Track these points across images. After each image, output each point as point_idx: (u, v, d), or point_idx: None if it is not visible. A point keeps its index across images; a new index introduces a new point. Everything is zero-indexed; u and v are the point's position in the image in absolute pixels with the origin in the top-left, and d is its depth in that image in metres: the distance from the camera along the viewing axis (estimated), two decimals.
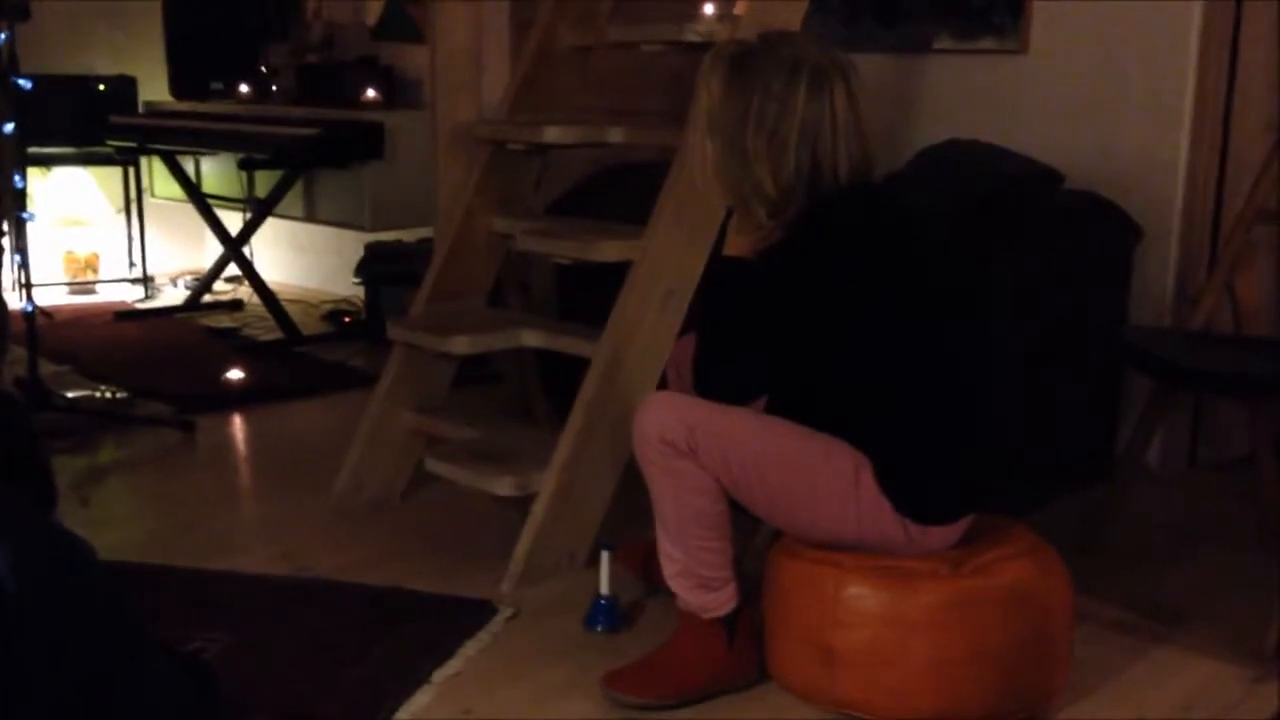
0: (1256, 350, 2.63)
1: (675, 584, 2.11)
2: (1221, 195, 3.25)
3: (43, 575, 1.43)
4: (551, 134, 2.81)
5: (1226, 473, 3.24)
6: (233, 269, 5.09)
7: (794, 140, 1.99)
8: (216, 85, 5.26)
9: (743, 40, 2.12)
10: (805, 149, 2.00)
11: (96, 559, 1.56)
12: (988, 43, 3.52)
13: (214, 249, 5.24)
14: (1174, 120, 3.18)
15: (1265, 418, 2.70)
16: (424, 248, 4.18)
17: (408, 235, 4.70)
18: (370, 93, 4.75)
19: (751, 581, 2.17)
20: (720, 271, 2.15)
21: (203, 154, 5.15)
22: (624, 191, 3.26)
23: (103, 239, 5.52)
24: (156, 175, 5.44)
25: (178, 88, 5.32)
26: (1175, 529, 2.93)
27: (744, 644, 2.13)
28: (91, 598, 1.52)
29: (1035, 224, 3.05)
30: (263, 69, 5.17)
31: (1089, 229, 3.18)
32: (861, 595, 1.99)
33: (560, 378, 2.93)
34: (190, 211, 5.18)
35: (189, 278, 5.57)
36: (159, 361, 4.32)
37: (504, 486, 2.57)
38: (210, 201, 5.07)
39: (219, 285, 5.33)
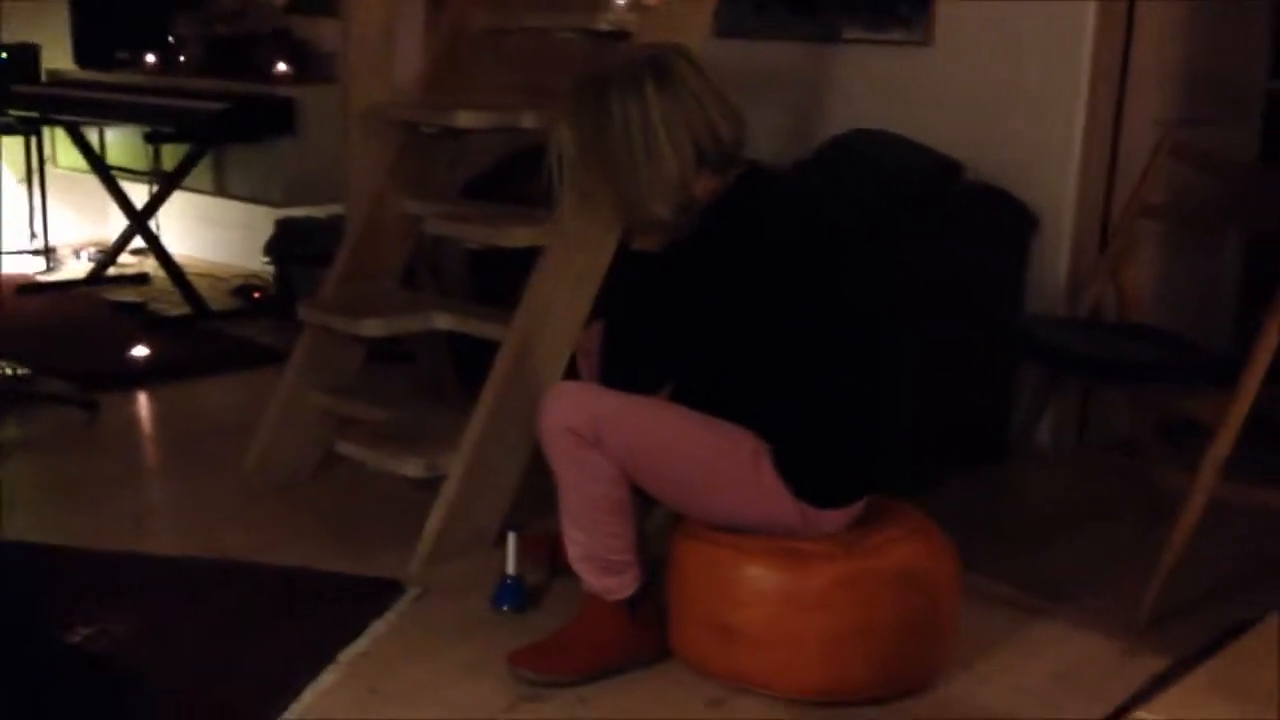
0: (1139, 338, 2.75)
1: (580, 568, 2.16)
2: (1113, 186, 3.38)
3: None
4: (464, 118, 2.82)
5: (1114, 451, 3.37)
6: (139, 241, 5.01)
7: (664, 139, 2.03)
8: (122, 55, 5.15)
9: (578, 80, 2.14)
10: (680, 137, 2.04)
11: None
12: (895, 34, 3.60)
13: (119, 221, 5.15)
14: (1068, 113, 3.29)
15: (1146, 403, 2.83)
16: (336, 223, 4.15)
17: (319, 211, 4.66)
18: (281, 66, 4.69)
19: (654, 562, 2.23)
20: (628, 265, 2.20)
21: (107, 125, 5.04)
22: (541, 174, 3.28)
23: (3, 209, 5.38)
24: (60, 145, 5.31)
25: (82, 56, 5.20)
26: (1062, 507, 3.06)
27: (646, 623, 2.19)
28: None
29: (936, 213, 3.14)
30: (170, 39, 5.07)
31: (987, 218, 3.28)
32: (759, 576, 2.07)
33: (472, 359, 2.96)
34: (95, 182, 5.07)
35: (93, 250, 5.46)
36: (61, 337, 4.25)
37: (414, 468, 2.60)
38: (115, 173, 4.97)
39: (124, 258, 5.24)
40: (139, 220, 4.83)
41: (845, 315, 2.13)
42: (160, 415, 3.60)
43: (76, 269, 5.29)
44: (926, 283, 2.99)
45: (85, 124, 4.97)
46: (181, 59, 5.03)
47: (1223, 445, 2.38)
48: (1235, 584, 2.60)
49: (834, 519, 2.12)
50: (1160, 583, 2.40)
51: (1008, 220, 3.30)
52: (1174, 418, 2.75)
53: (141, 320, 4.48)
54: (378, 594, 2.43)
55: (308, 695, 2.08)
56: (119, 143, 5.11)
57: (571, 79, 2.16)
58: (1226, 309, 3.79)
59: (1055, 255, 3.34)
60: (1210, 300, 3.76)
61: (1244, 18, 3.64)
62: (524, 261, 2.65)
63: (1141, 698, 2.01)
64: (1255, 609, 1.46)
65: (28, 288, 4.95)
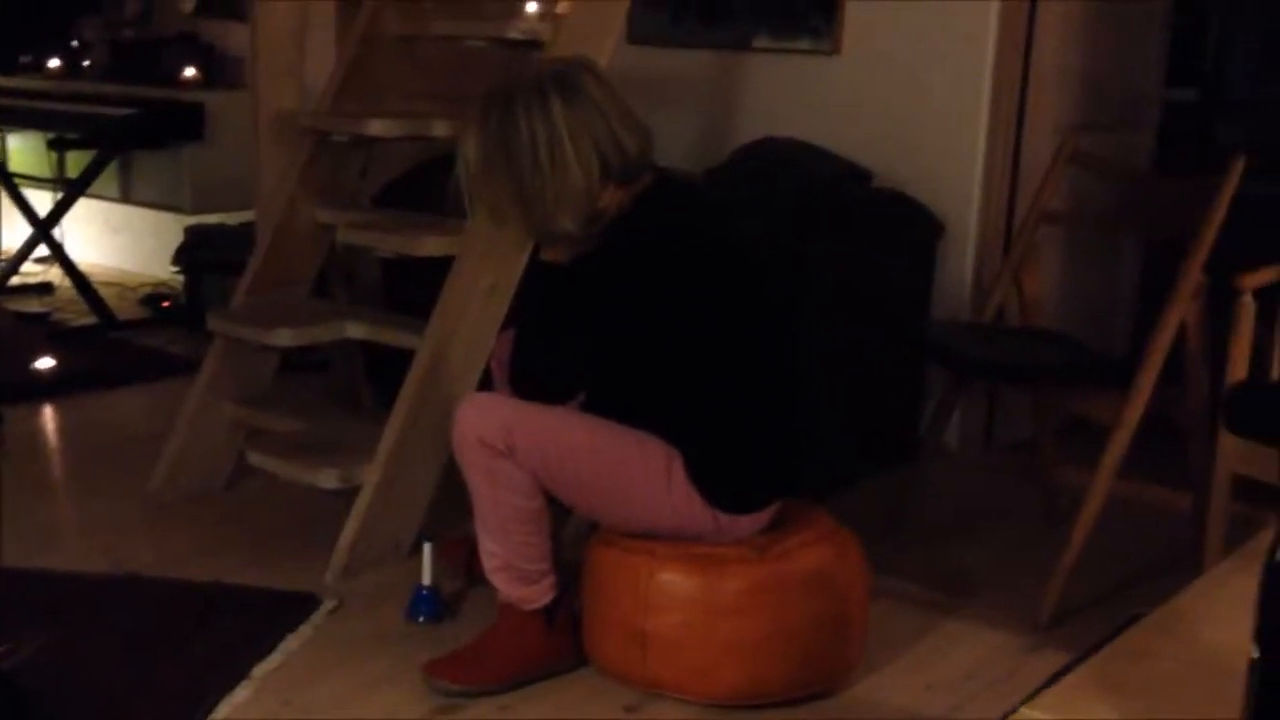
0: (1039, 342, 2.84)
1: (496, 578, 2.17)
2: (1015, 193, 3.47)
3: None
4: (375, 127, 2.82)
5: (1021, 452, 3.47)
6: (43, 250, 4.89)
7: (570, 153, 2.04)
8: (24, 58, 5.03)
9: (483, 94, 2.14)
10: (586, 152, 2.05)
11: None
12: (804, 43, 3.66)
13: (22, 229, 5.02)
14: (972, 122, 3.37)
15: (1046, 405, 2.92)
16: (247, 231, 4.11)
17: (230, 218, 4.60)
18: (190, 71, 4.63)
19: (569, 570, 2.25)
20: (536, 277, 2.21)
21: (9, 131, 4.93)
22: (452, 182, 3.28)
23: None
24: None
25: None
26: (970, 507, 3.13)
27: (562, 630, 2.21)
28: None
29: (846, 220, 3.21)
30: (74, 43, 4.97)
31: (895, 225, 3.36)
32: (673, 581, 2.10)
33: (386, 367, 2.94)
34: None
35: None
36: None
37: (327, 479, 2.58)
38: (17, 180, 4.85)
39: (27, 267, 5.09)
40: (43, 228, 4.71)
41: (753, 323, 2.16)
42: (67, 428, 3.52)
43: None
44: (836, 288, 3.04)
45: None
46: (86, 63, 4.94)
47: (1119, 444, 2.47)
48: (1135, 579, 2.68)
49: (746, 524, 2.15)
50: (1061, 580, 2.48)
51: (914, 227, 3.38)
52: (1075, 419, 2.84)
53: (46, 331, 4.38)
54: (292, 607, 2.42)
55: (221, 710, 2.06)
56: (21, 149, 5.00)
57: (480, 92, 2.16)
58: (1126, 313, 3.92)
59: (960, 261, 3.43)
60: (1111, 304, 3.88)
61: (1140, 27, 3.77)
62: (438, 270, 2.65)
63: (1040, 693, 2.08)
64: (1152, 603, 1.52)
65: None
